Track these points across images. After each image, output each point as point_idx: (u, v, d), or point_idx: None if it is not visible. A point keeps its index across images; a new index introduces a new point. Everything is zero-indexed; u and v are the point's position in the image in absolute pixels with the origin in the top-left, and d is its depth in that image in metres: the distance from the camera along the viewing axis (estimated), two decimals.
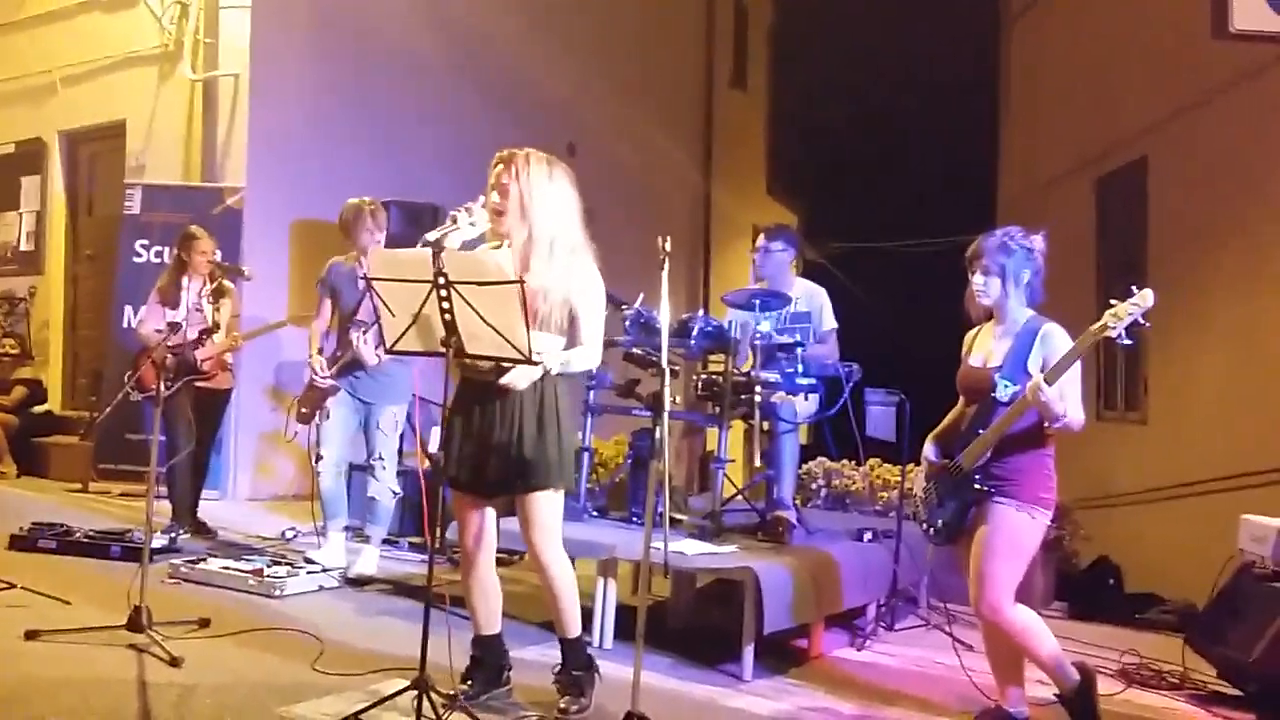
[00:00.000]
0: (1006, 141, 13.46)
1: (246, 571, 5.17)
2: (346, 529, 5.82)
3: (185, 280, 6.30)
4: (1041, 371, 3.60)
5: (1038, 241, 3.82)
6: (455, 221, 3.52)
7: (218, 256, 6.57)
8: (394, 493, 5.75)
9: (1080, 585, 6.97)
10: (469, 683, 3.68)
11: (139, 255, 8.20)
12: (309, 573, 5.30)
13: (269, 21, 8.39)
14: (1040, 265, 3.80)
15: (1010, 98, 13.29)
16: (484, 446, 3.56)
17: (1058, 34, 11.39)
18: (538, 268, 3.52)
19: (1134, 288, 3.51)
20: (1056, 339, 3.68)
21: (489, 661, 3.76)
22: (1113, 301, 3.50)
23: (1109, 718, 3.96)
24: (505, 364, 3.41)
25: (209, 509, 6.70)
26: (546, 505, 3.61)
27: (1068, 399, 3.58)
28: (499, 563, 5.73)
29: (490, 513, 3.71)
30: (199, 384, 6.23)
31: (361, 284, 5.40)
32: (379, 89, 8.98)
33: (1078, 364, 3.59)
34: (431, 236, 3.43)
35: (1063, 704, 3.81)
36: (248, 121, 8.29)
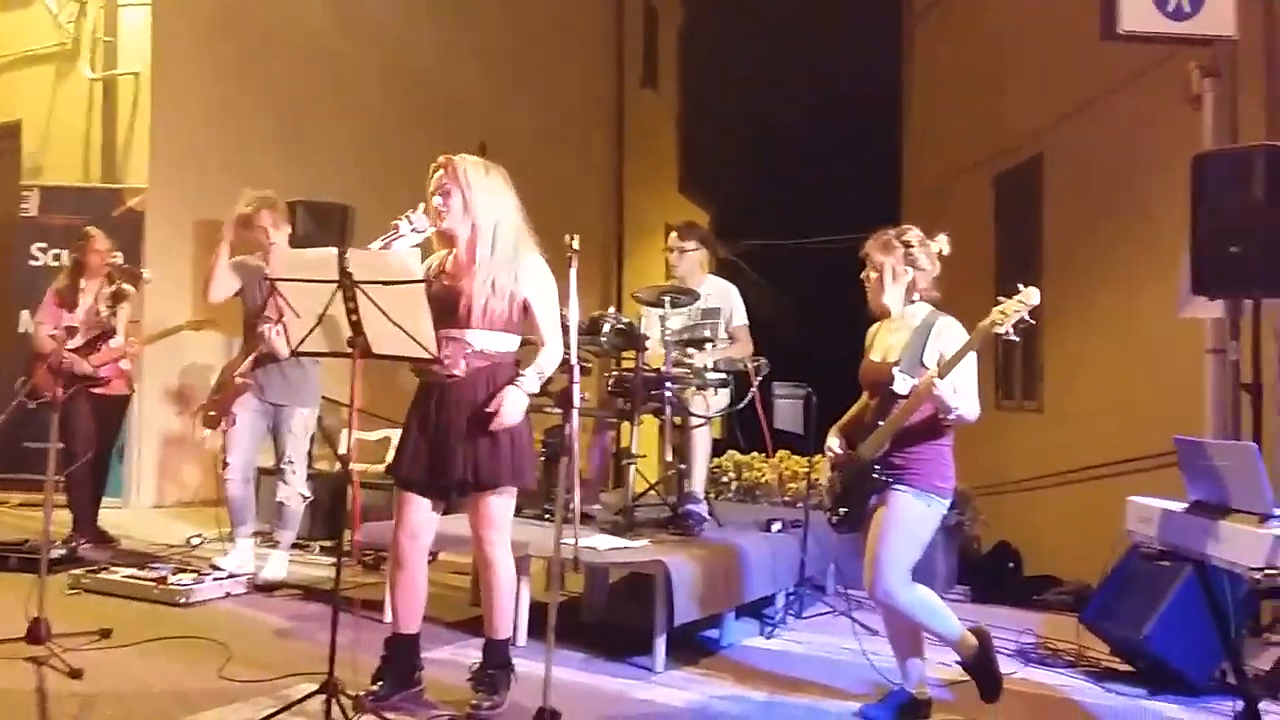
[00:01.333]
0: (910, 139, 13.78)
1: (150, 580, 5.08)
2: (255, 534, 5.74)
3: (82, 283, 6.15)
4: (937, 365, 3.72)
5: (936, 241, 3.94)
6: (398, 229, 3.56)
7: (118, 259, 6.43)
8: (304, 497, 5.70)
9: (981, 569, 7.19)
10: (379, 684, 3.68)
11: (36, 259, 7.99)
12: (215, 579, 5.23)
13: (170, 19, 8.23)
14: (928, 263, 3.91)
15: (913, 96, 13.62)
16: (441, 447, 3.61)
17: (957, 34, 11.70)
18: (483, 263, 3.59)
19: (1020, 285, 3.65)
20: (951, 333, 3.80)
21: (401, 661, 3.76)
22: (1000, 299, 3.63)
23: (1009, 697, 4.08)
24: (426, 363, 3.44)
25: (111, 517, 6.56)
26: (501, 505, 3.67)
27: (961, 392, 3.70)
28: None
29: (434, 513, 3.74)
30: (95, 390, 6.09)
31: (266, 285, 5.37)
32: (285, 87, 8.85)
33: (972, 358, 3.71)
34: (375, 245, 3.46)
35: (965, 669, 3.94)
36: (149, 121, 8.12)
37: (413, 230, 3.60)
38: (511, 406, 3.59)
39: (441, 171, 3.66)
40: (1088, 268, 8.41)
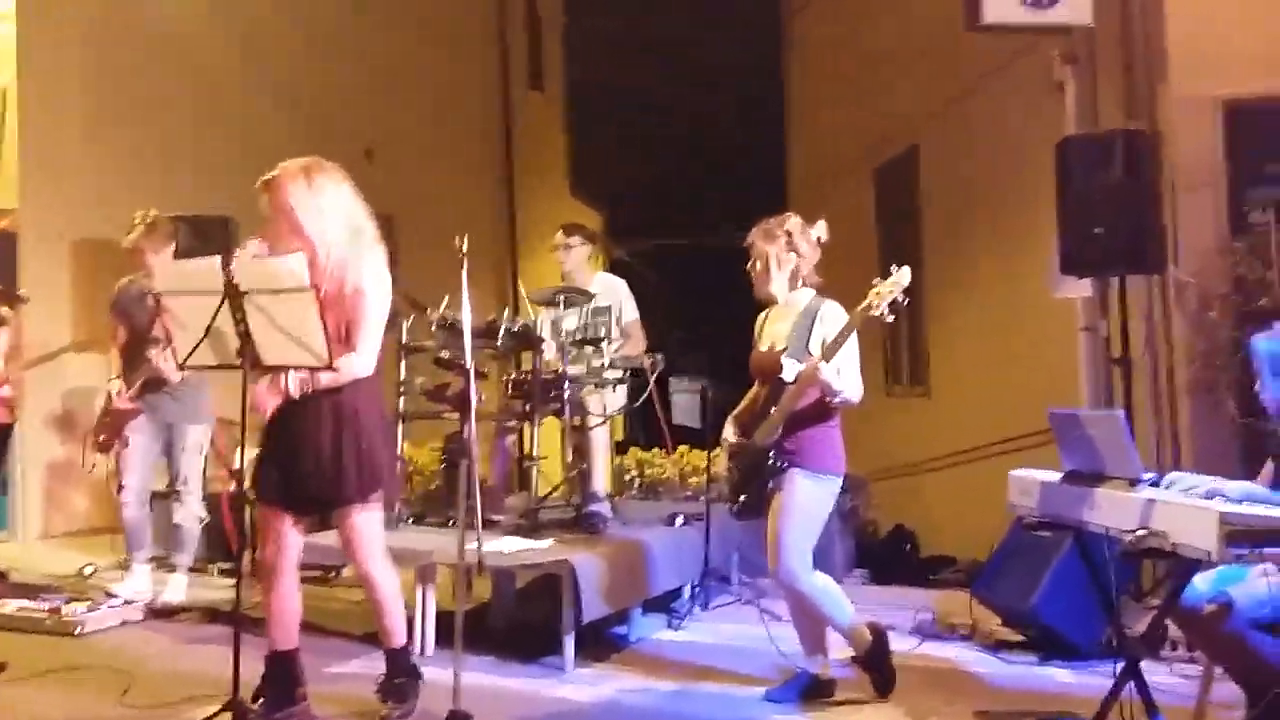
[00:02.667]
0: (793, 133, 14.03)
1: (43, 611, 4.93)
2: (152, 559, 5.61)
3: None
4: (821, 349, 3.84)
5: (816, 229, 4.07)
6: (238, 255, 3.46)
7: None
8: (200, 518, 5.58)
9: (879, 552, 7.40)
10: (259, 701, 3.61)
11: None
12: (111, 607, 5.10)
13: (36, 31, 7.93)
14: (809, 249, 4.04)
15: (794, 90, 13.86)
16: (293, 464, 3.56)
17: (834, 28, 11.94)
18: (325, 277, 3.51)
19: (893, 267, 3.80)
20: (833, 317, 3.93)
21: (283, 678, 3.69)
22: (875, 282, 3.78)
23: (907, 672, 4.25)
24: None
25: None
26: (361, 520, 3.62)
27: (845, 375, 3.84)
28: (318, 580, 5.71)
29: (298, 530, 3.68)
30: None
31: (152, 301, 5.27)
32: (162, 99, 8.61)
33: (854, 341, 3.84)
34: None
35: (858, 664, 4.07)
36: (17, 138, 7.84)
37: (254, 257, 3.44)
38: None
39: (266, 194, 3.53)
40: (965, 255, 8.69)
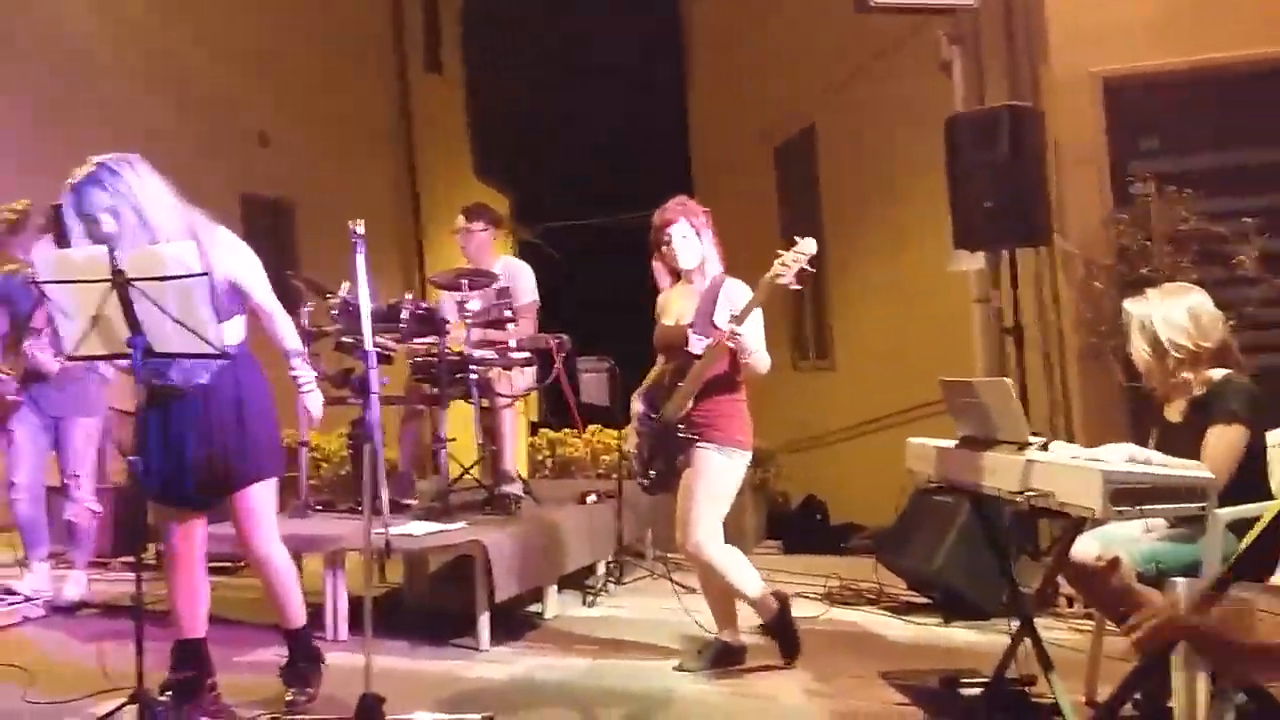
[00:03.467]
0: (695, 115, 14.11)
1: None
2: (51, 556, 5.46)
3: None
4: (730, 320, 3.90)
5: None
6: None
7: None
8: (92, 511, 5.43)
9: (790, 523, 7.54)
10: (167, 692, 3.55)
11: None
12: (10, 605, 4.96)
13: None
14: (712, 228, 4.13)
15: (695, 73, 13.94)
16: (183, 455, 3.48)
17: (734, 9, 12.01)
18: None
19: (796, 238, 3.88)
20: (739, 291, 4.01)
21: (191, 667, 3.64)
22: (780, 252, 3.86)
23: (816, 636, 4.38)
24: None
25: None
26: (259, 497, 3.59)
27: (754, 342, 3.92)
28: (225, 570, 5.61)
29: (196, 517, 3.63)
30: None
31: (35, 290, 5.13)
32: (41, 91, 8.32)
33: (759, 313, 3.92)
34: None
35: (765, 630, 4.18)
36: None
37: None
38: (315, 407, 3.62)
39: (95, 189, 3.35)
40: (864, 231, 8.88)
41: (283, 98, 10.59)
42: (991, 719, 3.47)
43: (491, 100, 17.04)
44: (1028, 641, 3.40)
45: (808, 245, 3.87)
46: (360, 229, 3.55)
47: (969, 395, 3.50)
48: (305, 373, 3.70)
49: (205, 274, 3.18)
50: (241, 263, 3.52)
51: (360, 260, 3.56)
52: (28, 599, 5.07)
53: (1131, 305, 3.55)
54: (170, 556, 3.63)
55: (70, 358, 3.43)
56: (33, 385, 5.24)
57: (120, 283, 3.16)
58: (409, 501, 5.39)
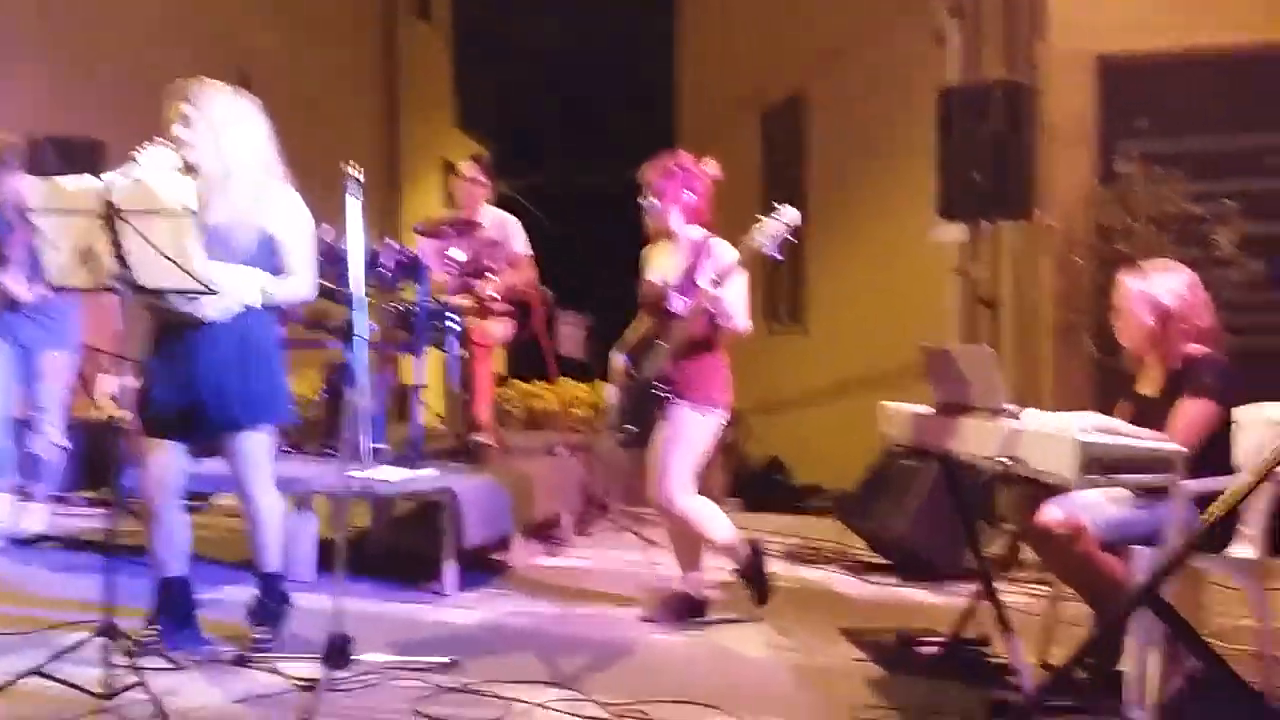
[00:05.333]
0: (682, 75, 14.02)
1: None
2: (16, 488, 5.41)
3: None
4: (710, 282, 3.91)
5: (708, 166, 4.13)
6: (136, 160, 3.35)
7: None
8: (60, 447, 5.39)
9: (752, 482, 7.61)
10: (155, 627, 3.59)
11: None
12: None
13: None
14: (703, 188, 4.11)
15: (684, 32, 13.83)
16: (189, 389, 3.49)
17: None
18: (226, 199, 3.45)
19: (775, 205, 3.87)
20: (722, 252, 4.01)
21: (175, 604, 3.66)
22: (759, 218, 3.85)
23: (779, 594, 4.40)
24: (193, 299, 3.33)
25: None
26: (259, 443, 3.60)
27: (734, 305, 3.92)
28: (190, 509, 5.59)
29: (182, 456, 3.62)
30: None
31: (12, 222, 5.07)
32: (29, 19, 8.15)
33: (742, 276, 3.92)
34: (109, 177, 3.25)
35: (739, 576, 4.22)
36: None
37: (150, 162, 3.32)
38: (211, 306, 3.43)
39: (182, 97, 3.46)
40: (848, 200, 8.88)
41: (267, 36, 10.42)
42: (947, 676, 3.52)
43: (478, 50, 16.86)
44: (982, 603, 3.46)
45: (790, 214, 3.87)
46: (355, 172, 3.52)
47: (949, 362, 3.53)
48: (249, 294, 3.58)
49: (194, 211, 3.15)
50: (291, 225, 3.56)
51: (354, 203, 3.53)
52: None
53: (1130, 279, 3.56)
54: (150, 499, 3.61)
55: (57, 289, 3.39)
56: (3, 314, 5.16)
57: (110, 215, 3.12)
58: (380, 446, 5.37)
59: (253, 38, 10.17)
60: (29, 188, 3.28)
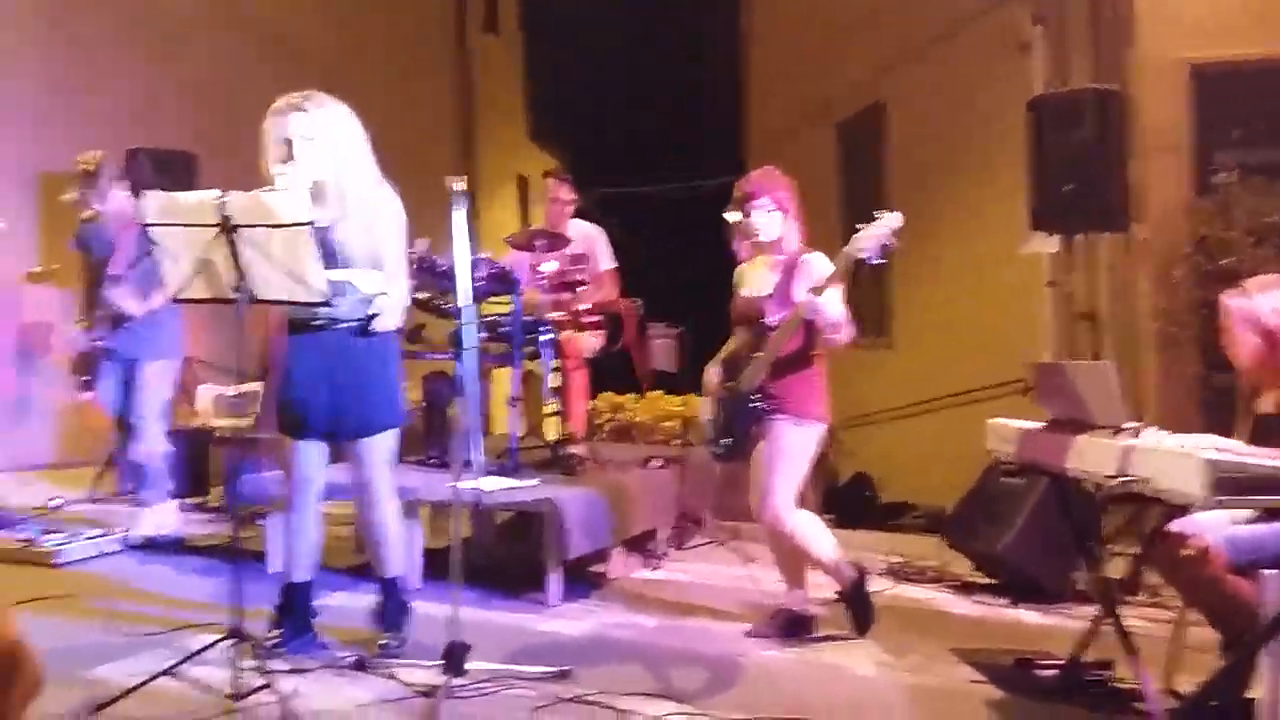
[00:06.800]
0: (753, 85, 14.01)
1: (18, 541, 4.89)
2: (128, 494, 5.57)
3: None
4: (809, 293, 3.89)
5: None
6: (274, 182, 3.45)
7: None
8: (161, 453, 5.51)
9: (840, 498, 7.55)
10: (278, 631, 3.69)
11: None
12: (87, 538, 5.07)
13: None
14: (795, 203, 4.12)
15: (756, 40, 13.82)
16: (329, 390, 3.59)
17: None
18: (343, 210, 3.53)
19: (876, 212, 3.84)
20: (818, 265, 4.00)
21: (298, 608, 3.76)
22: (859, 226, 3.82)
23: (882, 612, 4.36)
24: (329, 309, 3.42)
25: None
26: (388, 445, 3.70)
27: (836, 314, 3.91)
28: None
29: (322, 458, 3.73)
30: None
31: (114, 237, 5.25)
32: (122, 34, 8.41)
33: (840, 286, 3.90)
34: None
35: (842, 599, 4.19)
36: None
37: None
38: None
39: (300, 112, 3.52)
40: (930, 209, 8.79)
41: (343, 56, 10.61)
42: (1069, 701, 3.47)
43: (548, 63, 17.00)
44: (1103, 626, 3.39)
45: (893, 219, 3.84)
46: (460, 186, 3.57)
47: (1062, 377, 3.49)
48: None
49: (310, 223, 3.22)
50: (388, 236, 3.61)
51: (459, 216, 3.58)
52: (104, 533, 5.15)
53: (1232, 299, 3.50)
54: (291, 501, 3.72)
55: (176, 300, 3.49)
56: (113, 329, 5.32)
57: (228, 228, 3.20)
58: (475, 457, 5.42)
59: (330, 61, 10.37)
60: (146, 202, 3.37)
